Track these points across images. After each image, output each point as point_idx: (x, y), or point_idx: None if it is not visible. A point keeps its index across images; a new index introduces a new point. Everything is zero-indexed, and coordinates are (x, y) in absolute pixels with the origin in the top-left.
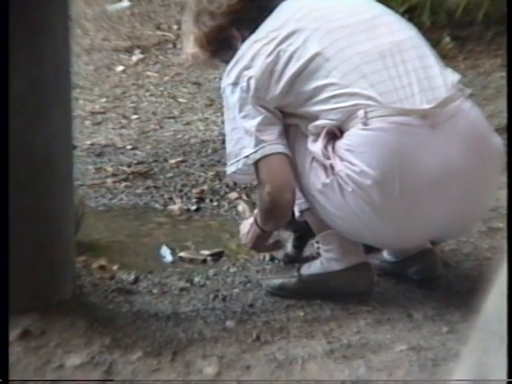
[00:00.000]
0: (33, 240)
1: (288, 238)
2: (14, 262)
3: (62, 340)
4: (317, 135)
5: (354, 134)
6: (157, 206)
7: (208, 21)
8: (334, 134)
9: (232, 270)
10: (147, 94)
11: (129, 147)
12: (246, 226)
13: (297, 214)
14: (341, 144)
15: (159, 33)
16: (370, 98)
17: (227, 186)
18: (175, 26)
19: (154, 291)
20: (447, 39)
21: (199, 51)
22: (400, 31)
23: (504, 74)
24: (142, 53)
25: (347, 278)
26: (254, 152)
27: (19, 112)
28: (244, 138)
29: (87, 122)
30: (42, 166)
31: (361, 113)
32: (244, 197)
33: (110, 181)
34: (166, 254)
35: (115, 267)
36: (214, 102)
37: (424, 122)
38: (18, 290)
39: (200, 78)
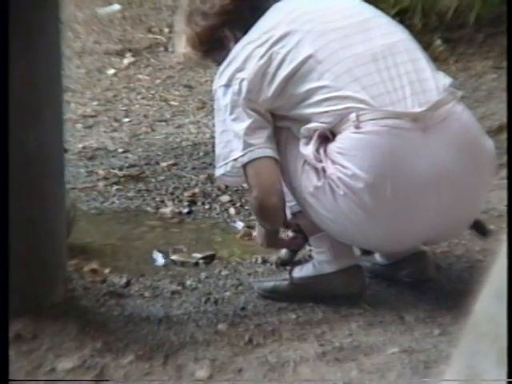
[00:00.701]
0: (24, 243)
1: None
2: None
3: (54, 344)
4: (309, 138)
5: (345, 137)
6: (148, 209)
7: (200, 21)
8: (326, 137)
9: (224, 272)
10: (139, 97)
11: (120, 150)
12: (257, 226)
13: (289, 216)
14: (333, 147)
15: (150, 36)
16: (362, 101)
17: (219, 188)
18: (166, 29)
19: (146, 294)
20: (438, 42)
21: (191, 51)
22: (392, 34)
23: (495, 76)
24: (133, 56)
25: (339, 280)
26: (242, 155)
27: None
28: (233, 140)
29: (79, 126)
30: (34, 169)
31: (353, 116)
32: (236, 200)
33: (101, 184)
34: (158, 257)
35: (107, 270)
36: (206, 104)
37: (416, 125)
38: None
39: (191, 80)
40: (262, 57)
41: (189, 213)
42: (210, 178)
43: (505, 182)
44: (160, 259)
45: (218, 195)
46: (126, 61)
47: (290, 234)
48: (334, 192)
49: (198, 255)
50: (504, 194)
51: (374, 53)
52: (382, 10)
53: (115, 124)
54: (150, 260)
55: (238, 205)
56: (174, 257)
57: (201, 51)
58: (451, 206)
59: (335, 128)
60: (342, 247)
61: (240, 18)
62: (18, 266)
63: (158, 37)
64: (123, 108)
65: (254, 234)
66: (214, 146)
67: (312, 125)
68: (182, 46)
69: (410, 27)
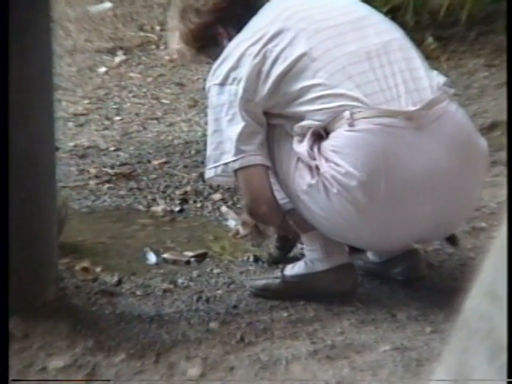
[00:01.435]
0: (15, 242)
1: (271, 239)
2: None
3: (45, 342)
4: (302, 136)
5: (339, 135)
6: (140, 207)
7: (194, 18)
8: (320, 135)
9: (216, 271)
10: (130, 95)
11: (112, 148)
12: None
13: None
14: (326, 145)
15: (142, 34)
16: (355, 99)
17: (211, 187)
18: (158, 27)
19: (138, 293)
20: (430, 39)
21: (185, 47)
22: (387, 32)
23: (487, 73)
24: (124, 54)
25: (331, 278)
26: (233, 161)
27: None
28: (225, 143)
29: (70, 124)
30: (25, 167)
31: (346, 114)
32: (228, 198)
33: (93, 182)
34: (150, 255)
35: (98, 269)
36: (198, 102)
37: (410, 123)
38: None
39: (183, 78)
40: (256, 55)
41: (180, 211)
42: (202, 177)
43: (497, 179)
44: (152, 258)
45: (209, 193)
46: (117, 59)
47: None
48: (327, 190)
49: (190, 253)
50: (496, 191)
51: (369, 51)
52: (374, 7)
53: (107, 122)
54: (142, 258)
55: (229, 203)
56: (165, 255)
57: (194, 47)
58: (444, 204)
59: (329, 126)
60: (334, 245)
61: (233, 15)
62: (9, 264)
63: (150, 35)
64: (115, 106)
65: (241, 231)
66: (205, 145)
67: (306, 122)
68: (175, 42)
69: (401, 25)
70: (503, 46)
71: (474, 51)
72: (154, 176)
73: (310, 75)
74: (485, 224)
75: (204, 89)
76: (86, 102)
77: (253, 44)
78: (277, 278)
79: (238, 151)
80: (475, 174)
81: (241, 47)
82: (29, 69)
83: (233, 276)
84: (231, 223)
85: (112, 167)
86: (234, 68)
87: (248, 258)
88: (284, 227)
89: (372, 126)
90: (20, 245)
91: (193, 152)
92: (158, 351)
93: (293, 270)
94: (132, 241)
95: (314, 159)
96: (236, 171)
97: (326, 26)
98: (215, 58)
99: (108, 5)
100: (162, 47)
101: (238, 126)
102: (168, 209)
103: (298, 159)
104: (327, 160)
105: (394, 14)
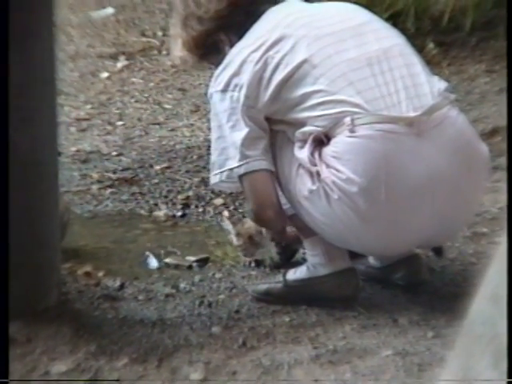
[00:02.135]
0: (18, 246)
1: (271, 244)
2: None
3: (48, 347)
4: (303, 142)
5: (340, 141)
6: (142, 212)
7: (196, 25)
8: (321, 141)
9: (218, 275)
10: (132, 100)
11: (114, 153)
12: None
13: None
14: (327, 151)
15: (144, 39)
16: (356, 105)
17: (212, 192)
18: (160, 33)
19: (140, 297)
20: (431, 45)
21: (187, 54)
22: (387, 38)
23: (488, 79)
24: (126, 59)
25: (333, 283)
26: (238, 166)
27: None
28: (229, 148)
29: (72, 129)
30: (28, 172)
31: (347, 120)
32: (229, 203)
33: (95, 187)
34: (152, 260)
35: (101, 274)
36: (200, 108)
37: (410, 129)
38: None
39: (185, 84)
40: (257, 62)
41: (182, 216)
42: (204, 181)
43: (498, 184)
44: (154, 262)
45: (211, 198)
46: (119, 64)
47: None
48: (328, 196)
49: (192, 258)
50: (497, 196)
51: (369, 57)
52: (374, 13)
53: (109, 127)
54: (144, 263)
55: (231, 208)
56: (167, 260)
57: (197, 55)
58: (445, 209)
59: (330, 132)
60: (336, 250)
61: (235, 22)
62: (12, 269)
63: (152, 40)
64: (117, 111)
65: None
66: (207, 150)
67: (307, 128)
68: (177, 50)
69: (402, 31)
70: (504, 52)
71: (475, 57)
72: (156, 181)
73: (311, 82)
74: (486, 229)
75: (206, 94)
76: (89, 107)
77: (254, 51)
78: (279, 282)
79: (243, 156)
80: (476, 180)
81: (242, 54)
82: (32, 74)
83: (235, 281)
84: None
85: (114, 172)
86: (236, 74)
87: (250, 262)
88: (282, 234)
89: (373, 132)
90: (22, 249)
91: (195, 157)
92: (160, 356)
93: (295, 274)
94: (134, 245)
95: (315, 165)
96: (241, 176)
97: (327, 33)
98: (217, 64)
99: (110, 10)
100: (164, 52)
101: (242, 131)
102: (170, 214)
103: (299, 165)
104: (328, 166)
105: (395, 19)
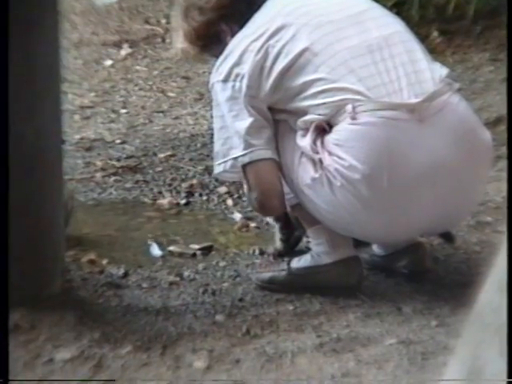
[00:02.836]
0: (22, 234)
1: (275, 232)
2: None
3: (52, 334)
4: (306, 130)
5: (342, 129)
6: (146, 200)
7: (197, 16)
8: (323, 129)
9: (222, 263)
10: (136, 88)
11: (118, 141)
12: None
13: (288, 208)
14: (329, 139)
15: (148, 27)
16: (358, 92)
17: (216, 180)
18: (164, 20)
19: (144, 285)
20: (435, 33)
21: (189, 46)
22: (388, 25)
23: (492, 68)
24: (130, 47)
25: (337, 271)
26: (243, 155)
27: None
28: (233, 137)
29: (76, 117)
30: (32, 160)
31: (349, 107)
32: (233, 191)
33: (99, 175)
34: (155, 248)
35: (105, 261)
36: (204, 96)
37: (412, 116)
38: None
39: (189, 72)
40: (258, 51)
41: (186, 204)
42: (208, 170)
43: (502, 173)
44: (157, 250)
45: (215, 186)
46: (123, 52)
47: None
48: (331, 183)
49: (196, 246)
50: (501, 185)
51: (370, 44)
52: (379, 1)
53: (113, 115)
54: (148, 251)
55: (235, 196)
56: (171, 248)
57: (198, 46)
58: (448, 196)
59: (332, 120)
60: (340, 238)
61: (236, 12)
62: (16, 257)
63: (156, 28)
64: (121, 99)
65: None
66: (211, 138)
67: (309, 117)
68: (179, 41)
69: (407, 19)
70: None
71: (480, 45)
72: (159, 169)
73: (312, 70)
74: (490, 218)
75: (209, 84)
76: (92, 94)
77: (255, 40)
78: (283, 270)
79: (248, 145)
80: (478, 166)
81: (243, 43)
82: (36, 62)
83: (239, 269)
84: (237, 216)
85: (118, 160)
86: (237, 64)
87: (254, 250)
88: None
89: (374, 119)
90: (27, 237)
91: (199, 145)
92: (164, 343)
93: (299, 262)
94: (138, 233)
95: (317, 153)
96: (245, 166)
97: (328, 21)
98: (219, 55)
99: None
100: (167, 40)
101: (246, 121)
102: (174, 202)
103: (302, 153)
104: (330, 153)
105: (399, 8)
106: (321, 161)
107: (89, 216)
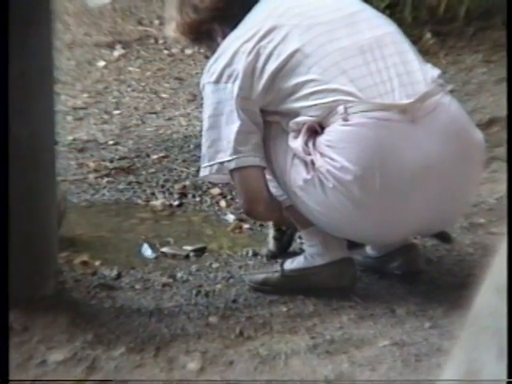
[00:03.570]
0: (15, 235)
1: (268, 233)
2: None
3: (45, 336)
4: (297, 132)
5: (334, 130)
6: (139, 201)
7: (191, 13)
8: (315, 130)
9: (215, 265)
10: (129, 89)
11: (111, 142)
12: None
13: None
14: (321, 140)
15: (141, 28)
16: (349, 93)
17: (209, 181)
18: (157, 21)
19: (137, 287)
20: (428, 35)
21: (180, 36)
22: (379, 27)
23: (485, 69)
24: (123, 48)
25: (330, 272)
26: (229, 161)
27: None
28: (220, 141)
29: (69, 118)
30: (25, 161)
31: (341, 108)
32: (226, 193)
33: (92, 176)
34: (148, 249)
35: (97, 263)
36: (197, 97)
37: (404, 116)
38: None
39: (182, 73)
40: (250, 52)
41: (179, 205)
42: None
43: (495, 175)
44: (150, 252)
45: (208, 188)
46: (116, 53)
47: None
48: (323, 185)
49: (189, 248)
50: (494, 186)
51: (361, 46)
52: (372, 3)
53: (105, 116)
54: (141, 252)
55: (228, 197)
56: (164, 249)
57: (189, 38)
58: (440, 197)
59: (324, 121)
60: (334, 240)
61: (229, 14)
62: (9, 258)
63: (149, 29)
64: (113, 100)
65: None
66: None
67: (300, 118)
68: (171, 30)
69: (400, 20)
70: (502, 42)
71: (473, 47)
72: (152, 170)
73: (304, 71)
74: (483, 220)
75: (200, 84)
76: (85, 95)
77: (246, 41)
78: (276, 271)
79: (235, 151)
80: (470, 166)
81: (235, 44)
82: (29, 63)
83: (232, 270)
84: (230, 218)
85: (111, 161)
86: (228, 65)
87: (247, 252)
88: (281, 221)
89: (366, 119)
90: (20, 238)
91: (191, 146)
92: (157, 345)
93: (292, 264)
94: (131, 235)
95: (309, 154)
96: (232, 171)
97: (319, 22)
98: (211, 51)
99: None
100: (160, 41)
101: (235, 124)
102: (167, 203)
103: (294, 155)
104: (322, 155)
105: (391, 9)
106: (313, 162)
107: (81, 217)
